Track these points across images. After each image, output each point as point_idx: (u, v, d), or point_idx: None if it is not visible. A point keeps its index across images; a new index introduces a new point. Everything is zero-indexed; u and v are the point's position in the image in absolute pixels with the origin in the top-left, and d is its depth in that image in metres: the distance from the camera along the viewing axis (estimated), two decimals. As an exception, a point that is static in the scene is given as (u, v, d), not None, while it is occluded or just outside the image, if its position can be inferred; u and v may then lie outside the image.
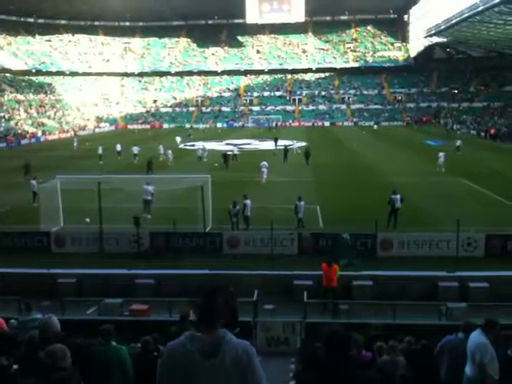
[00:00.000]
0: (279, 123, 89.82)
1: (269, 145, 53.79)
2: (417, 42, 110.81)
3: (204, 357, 2.89)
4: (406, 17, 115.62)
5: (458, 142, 48.66)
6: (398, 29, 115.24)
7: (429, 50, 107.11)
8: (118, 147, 47.49)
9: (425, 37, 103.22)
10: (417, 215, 23.46)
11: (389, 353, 7.61)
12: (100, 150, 45.55)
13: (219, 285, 3.13)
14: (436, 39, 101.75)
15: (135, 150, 44.82)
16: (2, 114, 77.00)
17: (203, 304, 3.02)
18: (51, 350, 4.29)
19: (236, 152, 44.93)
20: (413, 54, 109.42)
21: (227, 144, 56.56)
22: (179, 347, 2.97)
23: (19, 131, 73.74)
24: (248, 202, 21.74)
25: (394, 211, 21.86)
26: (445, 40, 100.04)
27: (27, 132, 74.70)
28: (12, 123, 75.77)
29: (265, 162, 34.59)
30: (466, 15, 77.03)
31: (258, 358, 3.04)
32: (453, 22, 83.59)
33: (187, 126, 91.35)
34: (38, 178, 27.47)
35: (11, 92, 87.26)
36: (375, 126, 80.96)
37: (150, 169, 34.40)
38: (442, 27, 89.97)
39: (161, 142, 51.10)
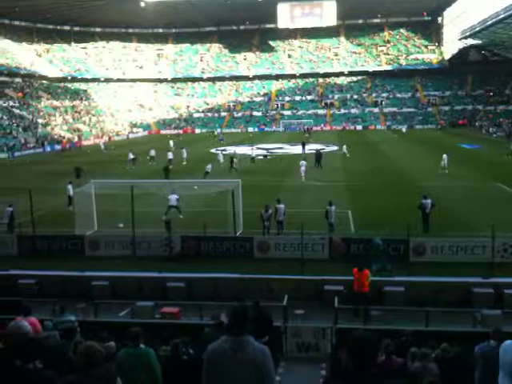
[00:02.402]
0: (310, 127, 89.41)
1: (300, 149, 53.59)
2: (451, 45, 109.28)
3: (233, 352, 4.01)
4: (440, 19, 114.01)
5: None
6: (431, 31, 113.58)
7: (464, 53, 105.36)
8: (152, 152, 47.96)
9: (459, 39, 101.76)
10: (450, 220, 23.01)
11: (421, 359, 7.48)
12: (130, 156, 46.25)
13: (251, 304, 4.01)
14: (471, 41, 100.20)
15: (170, 155, 45.67)
16: (40, 120, 78.98)
17: (237, 317, 4.07)
18: (89, 347, 4.33)
19: (254, 155, 46.44)
20: (447, 56, 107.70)
21: (258, 148, 56.66)
22: (218, 346, 4.12)
23: (55, 136, 75.50)
24: (281, 206, 21.60)
25: (424, 216, 21.54)
26: (480, 42, 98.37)
27: (63, 137, 76.39)
28: (48, 129, 77.62)
29: (304, 161, 35.54)
30: (502, 16, 75.71)
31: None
32: (488, 23, 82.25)
33: (218, 131, 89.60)
34: (72, 182, 28.13)
35: (47, 98, 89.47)
36: (403, 129, 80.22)
37: (166, 175, 35.14)
38: (477, 29, 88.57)
39: (184, 147, 50.82)
